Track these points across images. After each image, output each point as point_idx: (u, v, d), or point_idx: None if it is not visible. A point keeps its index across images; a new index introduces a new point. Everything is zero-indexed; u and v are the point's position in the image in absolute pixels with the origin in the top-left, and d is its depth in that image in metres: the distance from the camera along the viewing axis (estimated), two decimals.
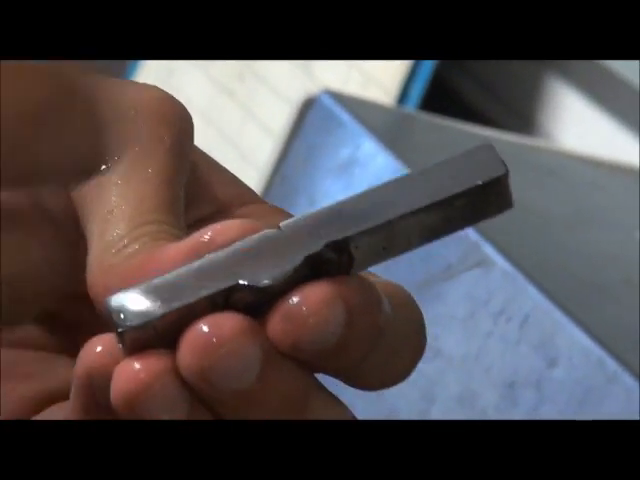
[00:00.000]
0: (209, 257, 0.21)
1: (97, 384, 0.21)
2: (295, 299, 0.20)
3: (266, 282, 0.20)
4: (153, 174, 0.23)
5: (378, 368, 0.22)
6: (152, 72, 1.28)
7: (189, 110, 0.26)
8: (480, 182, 0.21)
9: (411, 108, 1.00)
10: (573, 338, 0.72)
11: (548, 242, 0.79)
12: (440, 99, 1.04)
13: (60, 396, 0.25)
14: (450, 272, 0.74)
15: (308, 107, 0.85)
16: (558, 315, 0.72)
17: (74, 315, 0.26)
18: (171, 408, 0.20)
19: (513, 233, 0.77)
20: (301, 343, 0.20)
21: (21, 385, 0.25)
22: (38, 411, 0.25)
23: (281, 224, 0.21)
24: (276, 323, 0.20)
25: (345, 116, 0.81)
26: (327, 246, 0.20)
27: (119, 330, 0.20)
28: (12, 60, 0.26)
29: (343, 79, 1.05)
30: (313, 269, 0.20)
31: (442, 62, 1.03)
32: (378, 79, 1.05)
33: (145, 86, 0.25)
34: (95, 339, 0.21)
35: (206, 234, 0.21)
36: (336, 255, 0.20)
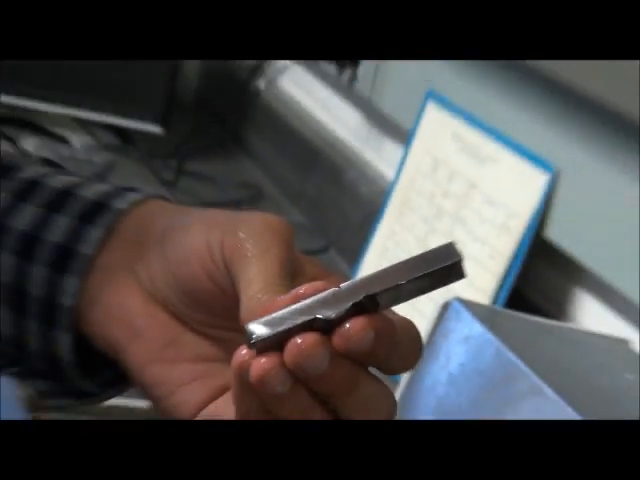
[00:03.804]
0: (303, 302, 0.37)
1: (244, 372, 0.37)
2: (347, 325, 0.35)
3: (332, 316, 0.36)
4: (277, 258, 0.41)
5: (396, 364, 0.38)
6: None
7: None
8: (445, 264, 0.35)
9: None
10: None
11: None
12: None
13: (227, 388, 0.42)
14: None
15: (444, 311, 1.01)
16: None
17: (233, 339, 0.43)
18: (282, 383, 0.36)
19: None
20: (350, 349, 0.36)
21: (205, 383, 0.43)
22: (216, 398, 0.43)
23: (341, 285, 0.37)
24: (337, 338, 0.36)
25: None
26: (364, 298, 0.35)
27: (252, 342, 0.36)
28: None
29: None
30: (357, 309, 0.35)
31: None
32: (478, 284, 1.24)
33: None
34: (241, 348, 0.37)
35: (302, 289, 0.38)
36: (370, 302, 0.35)
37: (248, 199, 1.54)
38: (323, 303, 0.37)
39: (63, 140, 1.67)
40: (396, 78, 1.51)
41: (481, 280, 1.27)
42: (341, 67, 1.57)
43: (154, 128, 1.64)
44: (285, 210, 1.56)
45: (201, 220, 0.45)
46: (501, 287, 1.23)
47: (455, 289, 1.15)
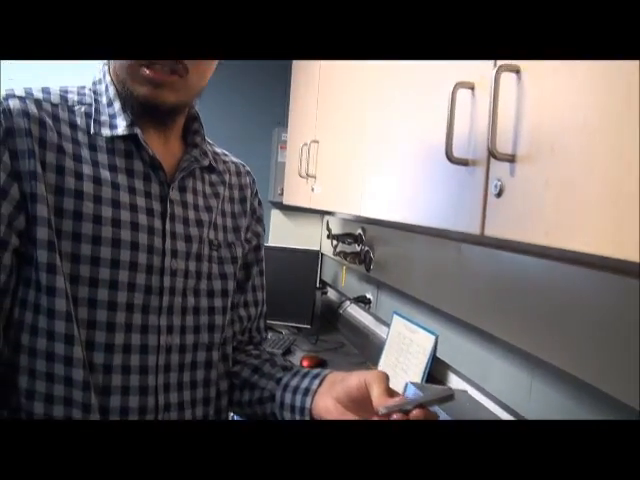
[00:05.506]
0: (392, 403, 0.95)
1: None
2: (415, 412, 0.92)
3: (410, 408, 0.93)
4: (382, 386, 0.99)
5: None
6: None
7: None
8: (445, 395, 0.93)
9: None
10: None
11: None
12: None
13: None
14: None
15: None
16: None
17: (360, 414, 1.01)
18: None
19: None
20: (417, 418, 0.91)
21: None
22: None
23: (408, 398, 0.95)
24: (413, 415, 0.92)
25: None
26: (419, 404, 0.93)
27: (380, 413, 0.94)
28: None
29: None
30: (418, 407, 0.93)
31: None
32: None
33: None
34: (375, 416, 0.95)
35: (392, 399, 0.96)
36: (421, 405, 0.93)
37: (340, 346, 3.14)
38: (402, 404, 0.90)
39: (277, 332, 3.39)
40: (383, 308, 2.84)
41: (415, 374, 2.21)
42: (367, 304, 2.97)
43: (307, 325, 3.41)
44: (352, 349, 3.08)
45: (354, 373, 1.00)
46: (422, 378, 2.19)
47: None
